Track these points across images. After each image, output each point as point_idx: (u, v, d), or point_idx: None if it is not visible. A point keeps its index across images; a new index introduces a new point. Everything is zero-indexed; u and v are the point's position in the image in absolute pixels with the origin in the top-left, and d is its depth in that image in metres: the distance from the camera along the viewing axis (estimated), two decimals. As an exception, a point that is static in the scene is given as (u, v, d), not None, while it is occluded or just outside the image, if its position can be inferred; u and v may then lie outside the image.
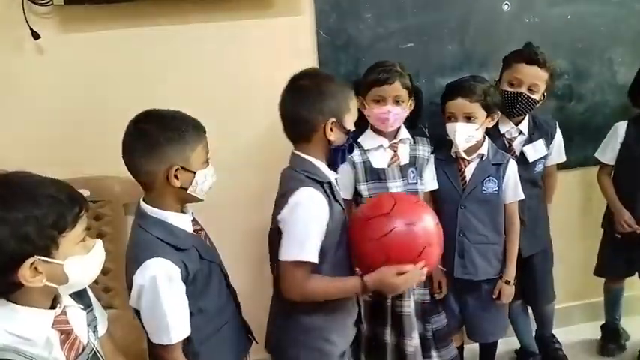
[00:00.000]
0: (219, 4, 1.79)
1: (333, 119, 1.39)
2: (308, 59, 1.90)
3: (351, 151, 1.51)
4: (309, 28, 1.89)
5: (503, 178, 1.81)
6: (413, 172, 1.80)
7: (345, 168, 1.82)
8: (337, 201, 1.44)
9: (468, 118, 1.75)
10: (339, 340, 1.49)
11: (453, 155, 1.84)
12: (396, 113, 1.72)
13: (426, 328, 1.86)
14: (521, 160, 1.92)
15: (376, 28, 1.93)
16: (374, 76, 1.73)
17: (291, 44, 1.89)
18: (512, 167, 1.84)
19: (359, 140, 1.80)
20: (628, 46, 2.13)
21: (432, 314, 1.88)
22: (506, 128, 1.94)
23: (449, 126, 1.78)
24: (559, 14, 2.05)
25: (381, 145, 1.79)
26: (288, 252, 1.36)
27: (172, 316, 1.24)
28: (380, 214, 1.39)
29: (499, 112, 1.82)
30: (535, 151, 1.96)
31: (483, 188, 1.81)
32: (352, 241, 1.45)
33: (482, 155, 1.82)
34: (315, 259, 1.35)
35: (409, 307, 1.78)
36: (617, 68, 2.13)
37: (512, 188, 1.84)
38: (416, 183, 1.80)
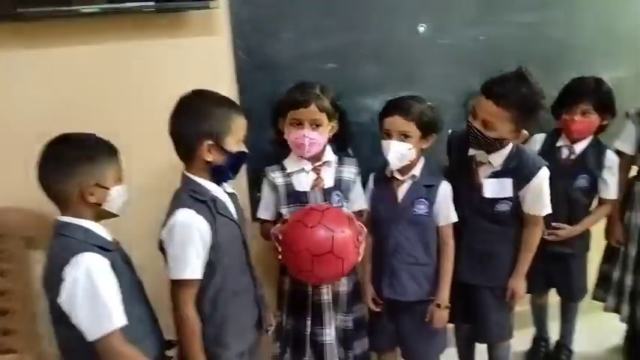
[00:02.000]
0: (129, 23, 1.71)
1: (209, 141, 1.42)
2: (226, 80, 1.86)
3: (234, 171, 1.53)
4: (226, 49, 1.85)
5: (434, 200, 1.80)
6: (338, 196, 1.76)
7: (266, 190, 1.80)
8: (225, 215, 1.48)
9: (404, 136, 1.74)
10: (233, 341, 1.51)
11: (389, 174, 1.84)
12: (312, 138, 1.68)
13: (347, 355, 1.83)
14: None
15: (296, 49, 1.92)
16: (290, 99, 1.70)
17: (209, 65, 1.83)
18: (445, 190, 1.81)
19: (283, 162, 1.77)
20: (536, 66, 2.24)
21: (354, 339, 1.85)
22: (476, 152, 1.81)
23: (384, 143, 1.76)
24: (471, 36, 2.13)
25: (303, 169, 1.76)
26: (172, 271, 1.42)
27: (111, 301, 1.25)
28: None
29: (434, 135, 1.79)
30: (499, 188, 1.76)
31: (414, 209, 1.80)
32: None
33: (414, 176, 1.81)
34: (196, 276, 1.42)
35: (330, 335, 1.74)
36: (526, 86, 2.24)
37: (444, 210, 1.81)
38: (341, 206, 1.76)
